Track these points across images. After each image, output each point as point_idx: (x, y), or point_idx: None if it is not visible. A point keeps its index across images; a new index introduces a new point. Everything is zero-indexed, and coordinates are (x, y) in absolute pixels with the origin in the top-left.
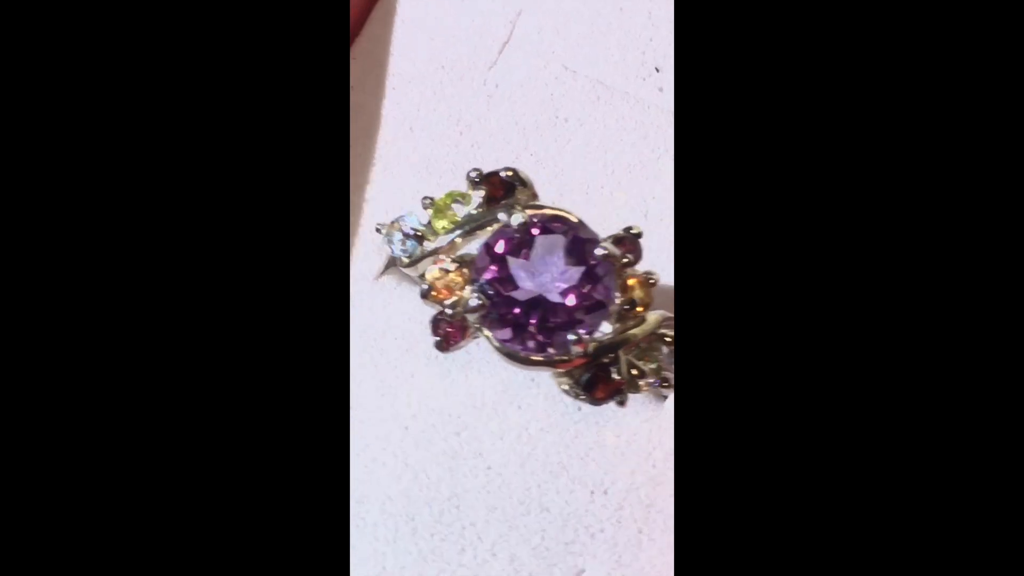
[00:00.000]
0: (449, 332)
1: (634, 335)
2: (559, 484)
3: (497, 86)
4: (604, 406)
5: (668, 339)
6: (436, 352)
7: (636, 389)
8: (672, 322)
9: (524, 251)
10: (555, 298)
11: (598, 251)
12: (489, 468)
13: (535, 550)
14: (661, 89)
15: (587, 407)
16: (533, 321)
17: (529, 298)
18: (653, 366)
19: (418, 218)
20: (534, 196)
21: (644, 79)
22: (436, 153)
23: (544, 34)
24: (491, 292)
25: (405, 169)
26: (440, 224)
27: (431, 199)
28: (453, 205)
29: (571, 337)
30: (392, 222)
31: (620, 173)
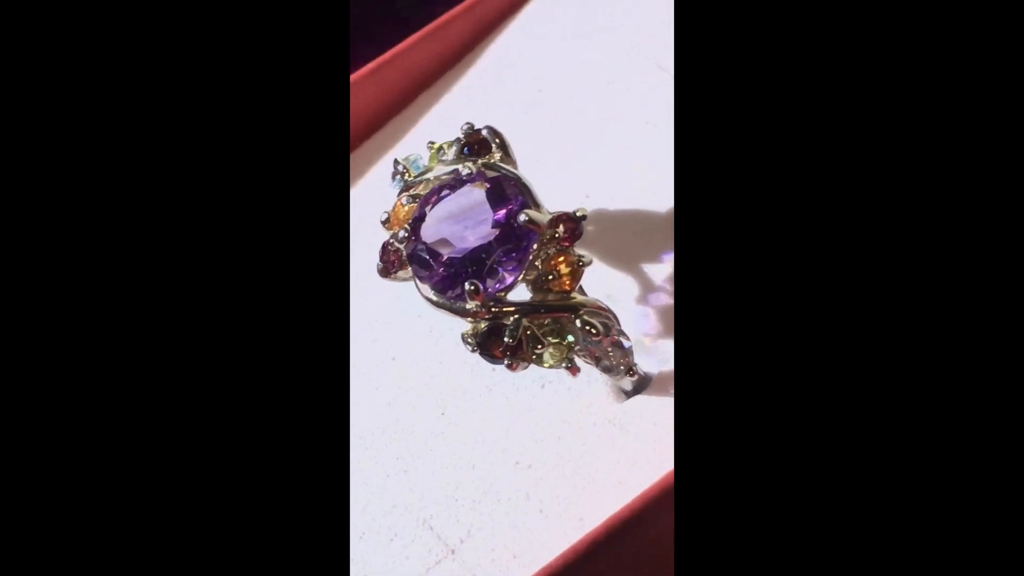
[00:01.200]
0: (391, 260)
1: (547, 305)
2: (493, 448)
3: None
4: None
5: (588, 327)
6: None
7: (539, 361)
8: (608, 316)
9: (445, 196)
10: (463, 245)
11: (521, 217)
12: (443, 414)
13: (445, 498)
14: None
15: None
16: (440, 265)
17: (436, 241)
18: (559, 344)
19: (420, 159)
20: (509, 159)
21: None
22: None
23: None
24: (417, 231)
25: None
26: (429, 166)
27: (433, 143)
28: (439, 157)
29: (468, 286)
30: (396, 160)
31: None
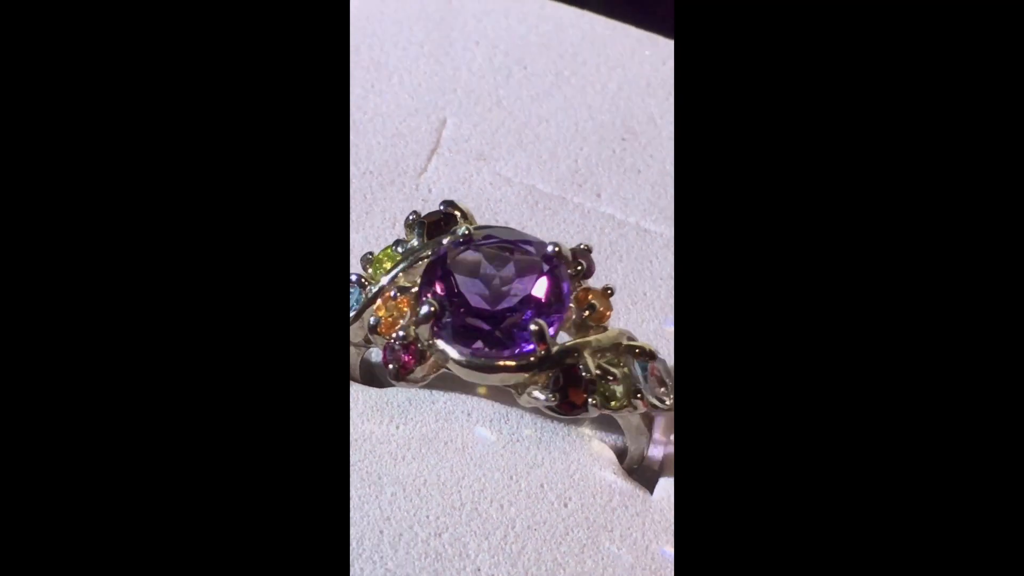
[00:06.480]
0: (404, 360)
1: (598, 341)
2: None
3: (430, 190)
4: None
5: (637, 350)
6: None
7: (609, 400)
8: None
9: (472, 261)
10: (512, 302)
11: (550, 248)
12: None
13: None
14: (599, 195)
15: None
16: (489, 327)
17: (483, 307)
18: (625, 371)
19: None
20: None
21: (580, 185)
22: None
23: (472, 142)
24: (444, 304)
25: None
26: (380, 271)
27: (371, 253)
28: (395, 250)
29: (532, 327)
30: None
31: None
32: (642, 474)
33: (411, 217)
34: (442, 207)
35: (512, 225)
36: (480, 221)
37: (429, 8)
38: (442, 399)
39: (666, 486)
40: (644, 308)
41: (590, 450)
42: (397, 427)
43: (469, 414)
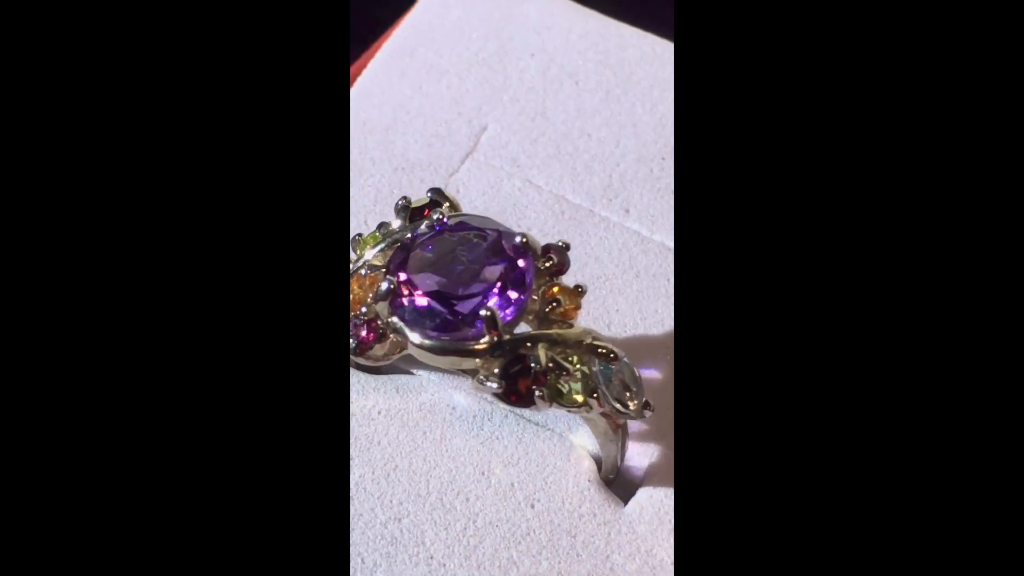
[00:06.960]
0: (363, 336)
1: (559, 335)
2: None
3: (458, 191)
4: None
5: (601, 351)
6: None
7: (566, 397)
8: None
9: (440, 245)
10: (475, 288)
11: (517, 239)
12: None
13: None
14: (627, 211)
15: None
16: (445, 310)
17: (433, 290)
18: (586, 370)
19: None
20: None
21: (610, 200)
22: None
23: (510, 148)
24: (406, 283)
25: None
26: (363, 252)
27: (360, 235)
28: (379, 232)
29: (483, 312)
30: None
31: None
32: (621, 485)
33: (400, 202)
34: (429, 194)
35: (533, 232)
36: (505, 224)
37: (491, 17)
38: (430, 390)
39: (640, 500)
40: (653, 324)
41: (570, 455)
42: (379, 412)
43: (454, 408)
